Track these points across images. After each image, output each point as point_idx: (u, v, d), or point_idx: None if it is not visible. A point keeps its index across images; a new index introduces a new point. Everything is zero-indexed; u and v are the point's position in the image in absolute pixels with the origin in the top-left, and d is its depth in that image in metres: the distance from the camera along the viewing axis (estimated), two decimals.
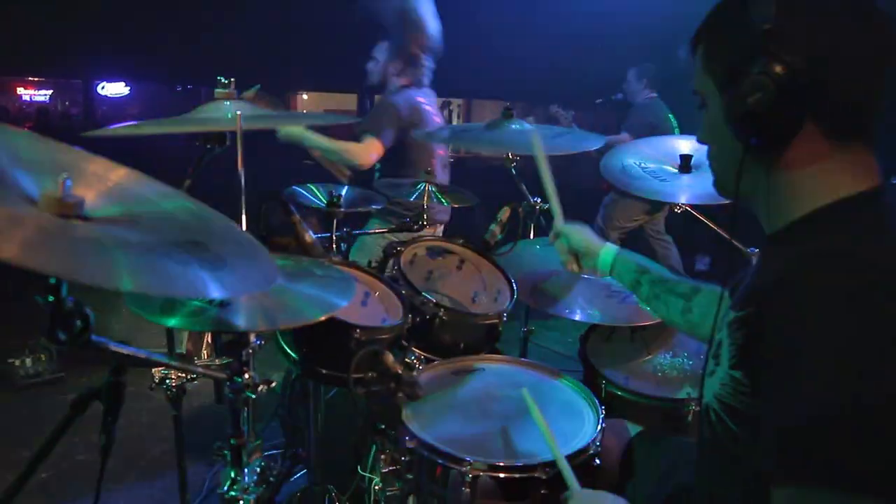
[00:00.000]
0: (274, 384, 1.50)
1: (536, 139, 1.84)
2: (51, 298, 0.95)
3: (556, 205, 1.81)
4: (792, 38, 0.93)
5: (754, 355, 0.94)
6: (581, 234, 1.76)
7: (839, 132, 0.97)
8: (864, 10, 0.96)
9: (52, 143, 1.10)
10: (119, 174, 1.14)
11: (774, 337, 0.89)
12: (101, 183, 1.09)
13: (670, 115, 5.16)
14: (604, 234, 5.14)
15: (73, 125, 11.40)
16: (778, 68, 0.93)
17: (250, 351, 1.46)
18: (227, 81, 1.77)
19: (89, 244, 0.90)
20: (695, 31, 1.08)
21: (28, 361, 3.74)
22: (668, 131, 4.90)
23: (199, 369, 1.39)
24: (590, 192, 5.35)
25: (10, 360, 3.73)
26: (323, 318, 1.39)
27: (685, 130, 4.69)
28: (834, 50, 0.93)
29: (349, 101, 13.26)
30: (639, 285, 1.66)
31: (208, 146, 1.84)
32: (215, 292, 0.96)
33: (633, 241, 5.24)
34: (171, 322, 1.38)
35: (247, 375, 1.44)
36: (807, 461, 0.80)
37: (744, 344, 0.96)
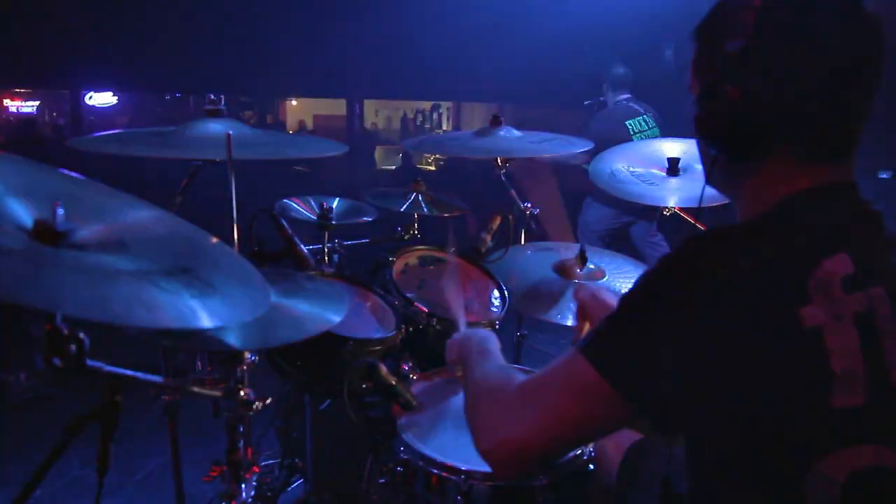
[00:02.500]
0: (270, 400, 1.51)
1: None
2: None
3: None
4: (757, 62, 0.96)
5: None
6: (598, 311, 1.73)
7: (806, 154, 1.00)
8: (837, 31, 0.96)
9: (44, 168, 1.11)
10: (112, 198, 1.14)
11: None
12: (92, 206, 1.10)
13: (630, 122, 4.91)
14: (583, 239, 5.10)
15: (62, 136, 11.34)
16: (735, 91, 0.97)
17: (245, 367, 1.46)
18: (215, 98, 1.77)
19: (81, 275, 0.90)
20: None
21: (23, 377, 3.73)
22: (620, 140, 4.37)
23: (195, 389, 1.40)
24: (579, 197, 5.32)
25: (6, 376, 3.73)
26: (316, 335, 1.40)
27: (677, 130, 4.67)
28: (799, 73, 0.95)
29: (338, 106, 13.26)
30: None
31: (198, 163, 1.84)
32: (205, 322, 0.97)
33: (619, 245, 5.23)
34: (165, 341, 1.38)
35: (242, 393, 1.45)
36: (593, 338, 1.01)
37: None
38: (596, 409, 1.00)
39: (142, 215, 1.16)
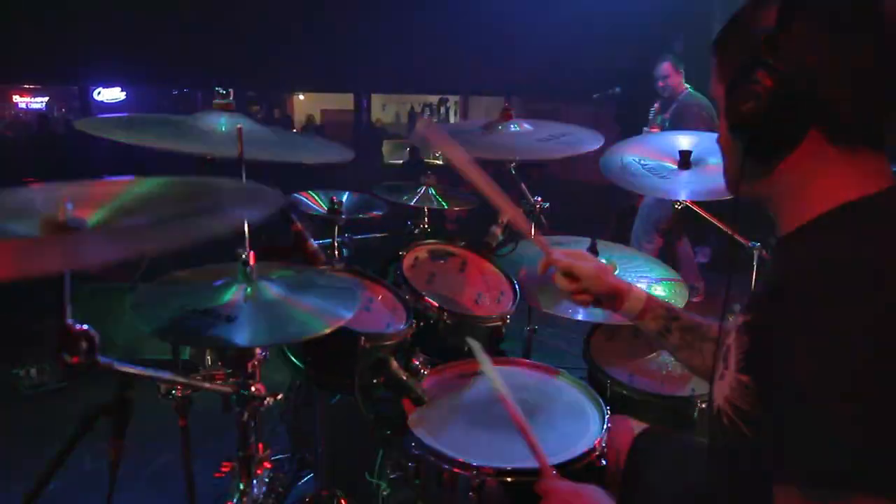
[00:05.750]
0: (280, 396, 1.50)
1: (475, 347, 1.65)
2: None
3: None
4: (789, 47, 0.94)
5: (759, 360, 0.95)
6: (591, 270, 1.58)
7: (843, 138, 0.98)
8: (868, 17, 0.95)
9: (26, 188, 1.09)
10: (101, 186, 1.13)
11: (773, 342, 0.90)
12: (92, 199, 1.08)
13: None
14: (644, 241, 5.08)
15: (71, 132, 11.39)
16: (772, 77, 0.95)
17: (256, 363, 1.46)
18: (224, 92, 1.76)
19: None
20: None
21: (33, 371, 3.75)
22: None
23: (206, 384, 1.39)
24: (590, 187, 5.30)
25: (16, 370, 3.75)
26: (328, 331, 1.39)
27: None
28: (832, 59, 0.94)
29: (346, 100, 13.26)
30: (668, 333, 1.53)
31: (207, 156, 1.84)
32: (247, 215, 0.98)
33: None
34: (173, 337, 1.38)
35: (253, 388, 1.44)
36: (802, 460, 0.83)
37: (749, 349, 0.98)
38: None
39: (137, 187, 1.15)
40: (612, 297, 1.59)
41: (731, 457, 1.07)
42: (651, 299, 1.57)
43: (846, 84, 0.94)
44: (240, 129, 1.55)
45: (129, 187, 1.14)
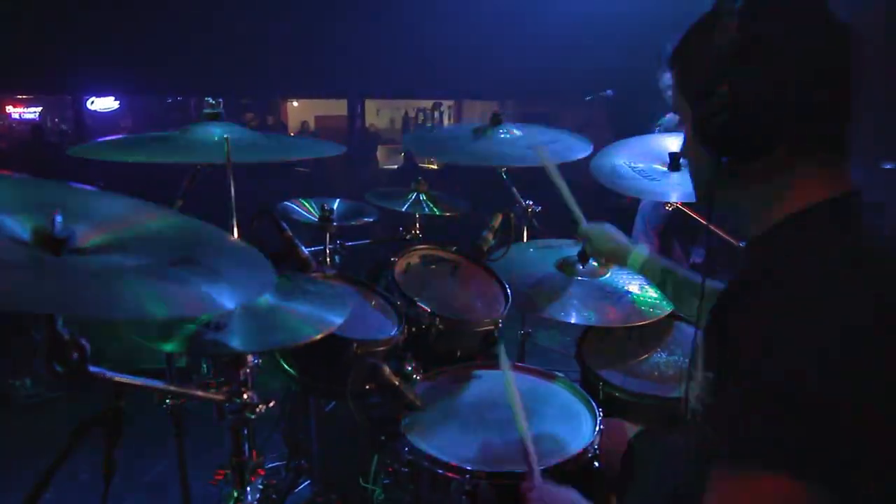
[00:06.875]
0: (273, 403, 1.51)
1: (543, 154, 2.02)
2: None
3: (575, 209, 1.98)
4: (753, 58, 0.97)
5: (717, 353, 0.98)
6: (605, 237, 1.90)
7: (809, 145, 1.00)
8: (825, 27, 0.98)
9: (29, 181, 1.11)
10: (101, 200, 1.14)
11: (728, 332, 0.93)
12: (84, 212, 1.10)
13: None
14: (642, 242, 5.10)
15: (66, 142, 11.38)
16: (737, 89, 0.97)
17: (248, 371, 1.47)
18: (214, 102, 1.78)
19: (88, 277, 0.91)
20: (670, 53, 1.12)
21: (28, 382, 3.75)
22: None
23: (199, 393, 1.40)
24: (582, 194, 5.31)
25: (11, 381, 3.75)
26: (319, 337, 1.40)
27: None
28: (795, 67, 0.96)
29: (339, 106, 13.27)
30: (665, 285, 1.77)
31: (198, 166, 1.85)
32: (227, 303, 0.97)
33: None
34: (169, 347, 1.39)
35: (246, 396, 1.45)
36: (727, 437, 0.87)
37: (711, 346, 1.01)
38: None
39: (135, 212, 1.16)
40: (617, 254, 1.87)
41: (704, 456, 1.09)
42: (651, 258, 1.80)
43: (809, 91, 0.97)
44: (227, 140, 1.56)
45: (117, 209, 1.15)
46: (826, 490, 0.81)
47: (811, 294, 0.88)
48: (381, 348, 1.79)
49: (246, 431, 1.51)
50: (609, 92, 5.75)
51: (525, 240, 2.54)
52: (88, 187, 1.15)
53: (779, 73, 0.96)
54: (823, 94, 0.98)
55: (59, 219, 0.94)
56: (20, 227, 0.96)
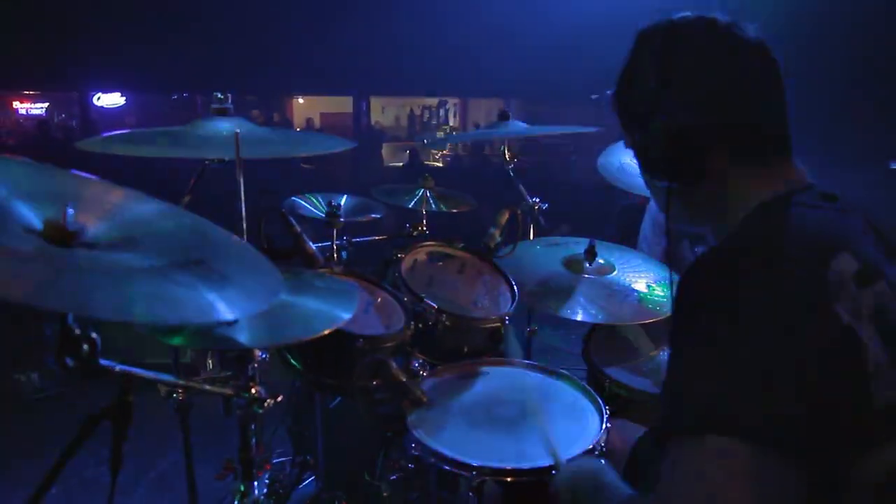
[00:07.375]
0: (280, 398, 1.51)
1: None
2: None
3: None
4: (675, 91, 1.05)
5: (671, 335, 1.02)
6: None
7: (746, 156, 1.07)
8: (735, 47, 1.06)
9: (48, 169, 1.11)
10: (116, 195, 1.14)
11: (680, 317, 0.98)
12: (99, 206, 1.10)
13: None
14: (652, 241, 5.09)
15: (72, 137, 11.42)
16: (664, 122, 1.05)
17: (256, 365, 1.47)
18: (222, 97, 1.78)
19: (99, 276, 0.91)
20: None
21: (35, 376, 3.77)
22: None
23: (207, 387, 1.40)
24: (589, 191, 5.32)
25: (17, 376, 3.76)
26: (327, 332, 1.40)
27: None
28: (716, 91, 1.04)
29: (345, 103, 13.28)
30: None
31: (206, 161, 1.85)
32: (226, 314, 0.97)
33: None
34: (176, 340, 1.39)
35: (253, 390, 1.45)
36: (687, 413, 0.89)
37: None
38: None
39: (147, 210, 1.16)
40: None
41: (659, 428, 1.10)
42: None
43: (735, 108, 1.05)
44: (237, 135, 1.56)
45: (127, 201, 1.15)
46: (781, 458, 0.83)
47: (721, 294, 0.92)
48: (388, 344, 1.79)
49: (253, 426, 1.52)
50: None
51: (532, 237, 2.54)
52: (107, 181, 1.16)
53: (698, 100, 1.04)
54: (745, 111, 1.05)
55: (70, 211, 0.95)
56: (34, 216, 0.96)
